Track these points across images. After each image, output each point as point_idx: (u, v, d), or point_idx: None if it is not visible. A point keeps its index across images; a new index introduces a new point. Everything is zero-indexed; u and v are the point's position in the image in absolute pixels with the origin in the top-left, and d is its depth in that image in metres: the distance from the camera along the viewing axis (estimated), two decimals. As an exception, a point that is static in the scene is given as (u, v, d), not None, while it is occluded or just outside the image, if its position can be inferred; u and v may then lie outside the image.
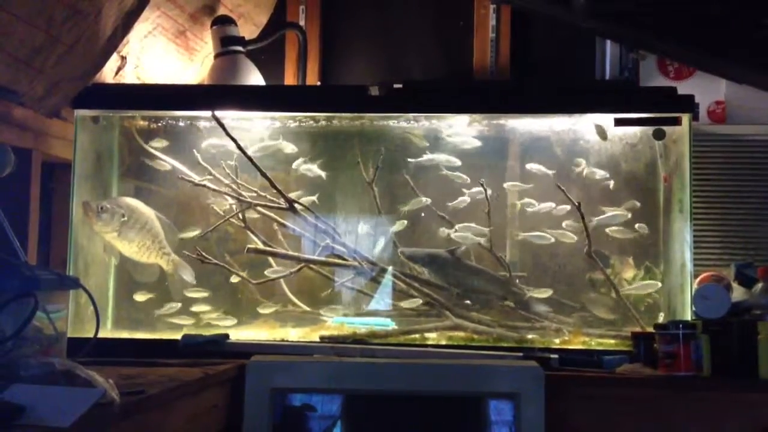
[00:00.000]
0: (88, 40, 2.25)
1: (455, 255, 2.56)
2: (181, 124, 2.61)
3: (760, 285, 2.34)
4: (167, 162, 2.61)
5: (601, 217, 2.53)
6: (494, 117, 2.56)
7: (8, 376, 1.45)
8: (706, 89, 2.98)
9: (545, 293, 2.54)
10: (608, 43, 3.04)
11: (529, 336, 2.45)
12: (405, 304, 2.56)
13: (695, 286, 2.36)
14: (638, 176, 2.56)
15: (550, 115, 2.53)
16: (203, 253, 2.56)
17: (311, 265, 2.61)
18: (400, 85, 2.53)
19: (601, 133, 2.51)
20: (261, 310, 2.60)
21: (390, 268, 2.58)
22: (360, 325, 2.49)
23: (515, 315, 2.54)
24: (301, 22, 3.15)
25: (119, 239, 2.47)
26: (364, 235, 2.64)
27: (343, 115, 2.56)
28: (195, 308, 2.57)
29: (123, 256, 2.53)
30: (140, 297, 2.57)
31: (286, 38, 3.14)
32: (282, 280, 2.61)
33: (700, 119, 2.90)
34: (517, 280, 2.57)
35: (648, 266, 2.52)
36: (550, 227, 2.55)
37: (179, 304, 2.56)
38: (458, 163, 2.57)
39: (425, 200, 2.59)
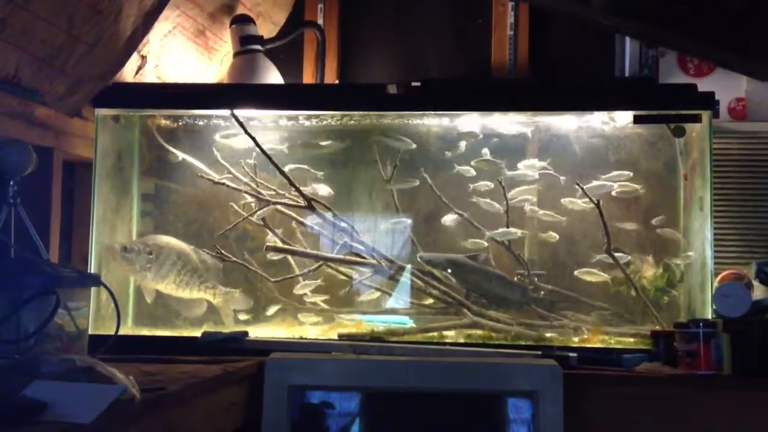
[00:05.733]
0: (109, 40, 2.27)
1: (475, 260, 2.55)
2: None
3: (781, 283, 2.33)
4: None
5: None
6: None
7: (30, 373, 1.46)
8: (727, 86, 2.96)
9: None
10: (627, 40, 3.02)
11: (548, 334, 2.45)
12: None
13: (716, 284, 2.35)
14: (658, 173, 2.55)
15: (569, 113, 2.52)
16: (223, 251, 2.58)
17: (329, 263, 2.62)
18: (418, 83, 2.53)
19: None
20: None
21: (408, 266, 2.59)
22: (378, 322, 2.49)
23: (533, 313, 2.53)
24: (320, 21, 3.16)
25: (150, 278, 2.45)
26: (383, 234, 2.64)
27: (361, 113, 2.56)
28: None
29: (164, 294, 2.51)
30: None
31: (304, 37, 3.15)
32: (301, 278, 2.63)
33: (721, 116, 2.87)
34: (536, 278, 2.57)
35: (667, 264, 2.51)
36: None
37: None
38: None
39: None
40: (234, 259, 2.59)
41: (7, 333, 1.62)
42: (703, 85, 2.59)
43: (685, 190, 2.52)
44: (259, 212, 2.59)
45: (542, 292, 2.57)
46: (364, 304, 2.62)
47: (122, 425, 1.44)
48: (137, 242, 2.48)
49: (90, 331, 1.89)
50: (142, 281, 2.48)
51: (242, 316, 2.58)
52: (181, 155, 2.62)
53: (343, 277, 2.63)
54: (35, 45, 2.04)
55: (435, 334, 2.46)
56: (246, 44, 2.88)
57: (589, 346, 2.36)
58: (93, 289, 2.10)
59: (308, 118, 2.58)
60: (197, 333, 2.36)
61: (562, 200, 2.55)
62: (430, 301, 2.58)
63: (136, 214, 2.67)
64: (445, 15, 3.17)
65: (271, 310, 2.60)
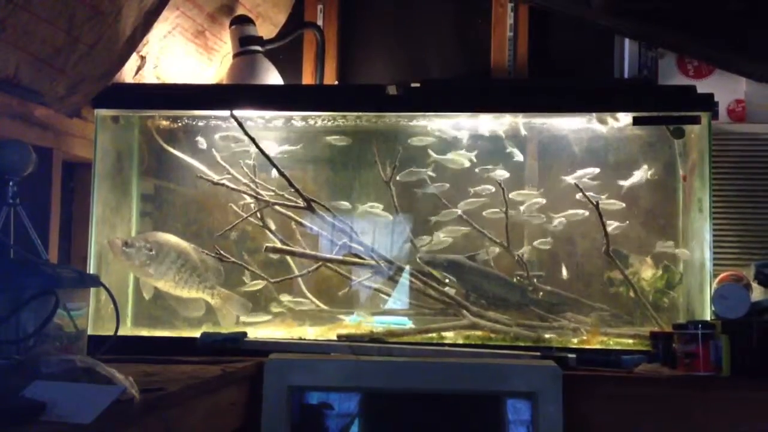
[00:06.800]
0: (109, 41, 2.27)
1: (474, 260, 2.55)
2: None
3: (779, 285, 2.33)
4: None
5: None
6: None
7: (30, 373, 1.46)
8: (726, 88, 2.96)
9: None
10: (627, 41, 3.02)
11: (547, 335, 2.45)
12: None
13: (714, 285, 2.35)
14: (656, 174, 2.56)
15: (568, 115, 2.52)
16: (222, 252, 2.57)
17: (328, 264, 2.62)
18: (417, 84, 2.53)
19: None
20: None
21: (407, 267, 2.58)
22: (377, 323, 2.49)
23: (532, 314, 2.53)
24: (319, 22, 3.16)
25: (150, 274, 2.46)
26: (381, 235, 2.64)
27: (361, 114, 2.56)
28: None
29: (162, 291, 2.51)
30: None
31: (304, 38, 3.15)
32: (300, 279, 2.63)
33: (720, 118, 2.88)
34: (535, 280, 2.57)
35: (666, 265, 2.51)
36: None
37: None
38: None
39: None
40: (233, 259, 2.59)
41: (7, 333, 1.62)
42: (703, 86, 2.59)
43: (684, 192, 2.52)
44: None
45: (541, 293, 2.57)
46: (363, 304, 2.62)
47: (122, 426, 1.44)
48: (138, 238, 2.48)
49: (89, 332, 1.89)
50: (141, 277, 2.49)
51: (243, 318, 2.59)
52: (179, 155, 2.63)
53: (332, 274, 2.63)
54: (35, 45, 2.04)
55: (434, 334, 2.46)
56: (246, 45, 2.89)
57: (588, 347, 2.36)
58: (92, 290, 2.09)
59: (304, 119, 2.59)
60: (196, 333, 2.36)
61: (512, 194, 2.56)
62: (429, 301, 2.58)
63: (135, 215, 2.67)
64: (445, 16, 3.17)
65: (263, 317, 2.60)
